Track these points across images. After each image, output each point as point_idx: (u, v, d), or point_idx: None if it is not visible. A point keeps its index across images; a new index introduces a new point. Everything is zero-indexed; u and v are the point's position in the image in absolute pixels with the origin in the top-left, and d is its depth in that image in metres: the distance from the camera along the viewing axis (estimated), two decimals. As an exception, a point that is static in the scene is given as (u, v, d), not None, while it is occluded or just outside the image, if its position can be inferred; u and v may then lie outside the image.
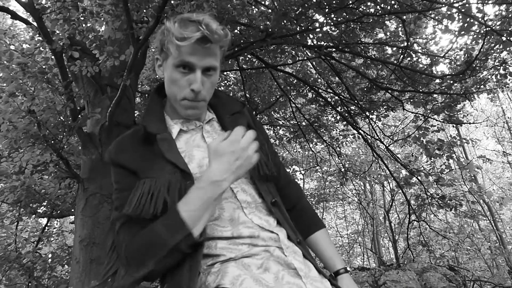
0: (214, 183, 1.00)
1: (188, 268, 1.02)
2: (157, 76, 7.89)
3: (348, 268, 1.32)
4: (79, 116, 4.97)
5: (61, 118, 4.68)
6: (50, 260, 6.49)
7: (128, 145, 1.17)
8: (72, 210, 6.43)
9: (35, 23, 4.35)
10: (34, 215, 6.54)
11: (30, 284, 6.12)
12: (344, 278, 1.25)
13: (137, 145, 1.16)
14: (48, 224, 8.19)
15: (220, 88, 9.14)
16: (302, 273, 1.08)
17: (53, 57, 4.52)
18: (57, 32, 4.43)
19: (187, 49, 1.08)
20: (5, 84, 4.44)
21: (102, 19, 4.58)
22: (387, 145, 8.24)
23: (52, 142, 4.46)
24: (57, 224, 10.54)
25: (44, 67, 4.46)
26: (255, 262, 1.07)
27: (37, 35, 4.59)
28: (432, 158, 7.11)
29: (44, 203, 6.58)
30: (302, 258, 1.16)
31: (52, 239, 7.74)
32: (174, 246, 0.99)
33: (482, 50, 6.22)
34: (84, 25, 4.65)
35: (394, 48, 7.45)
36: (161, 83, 1.28)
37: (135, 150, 1.15)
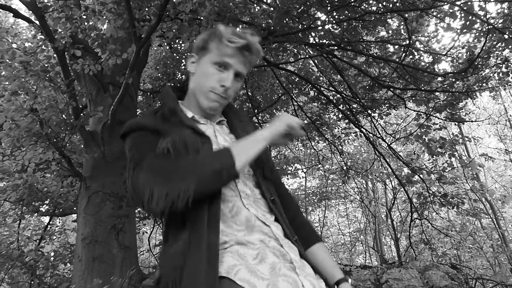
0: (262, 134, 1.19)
1: (207, 221, 1.08)
2: (158, 75, 7.91)
3: (350, 280, 1.36)
4: (82, 114, 4.98)
5: (64, 116, 4.69)
6: (52, 258, 6.50)
7: (147, 115, 1.31)
8: (75, 208, 6.44)
9: (37, 22, 4.35)
10: (36, 214, 6.55)
11: (32, 282, 6.14)
12: (344, 286, 1.29)
13: (154, 119, 1.28)
14: (51, 223, 8.20)
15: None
16: (296, 264, 1.10)
17: (55, 55, 4.53)
18: (60, 30, 4.44)
19: (229, 52, 1.25)
20: (7, 83, 4.45)
21: (104, 17, 4.58)
22: (389, 143, 8.23)
23: (55, 140, 4.46)
24: (59, 222, 10.55)
25: (46, 65, 4.47)
26: (250, 253, 1.09)
27: (40, 34, 4.59)
28: (434, 156, 7.10)
29: (47, 202, 6.60)
30: (298, 253, 1.19)
31: (54, 237, 7.75)
32: (218, 170, 1.08)
33: (484, 48, 6.21)
34: (86, 23, 4.65)
35: (396, 46, 7.43)
36: (175, 85, 1.47)
37: (154, 120, 1.27)
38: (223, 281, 1.01)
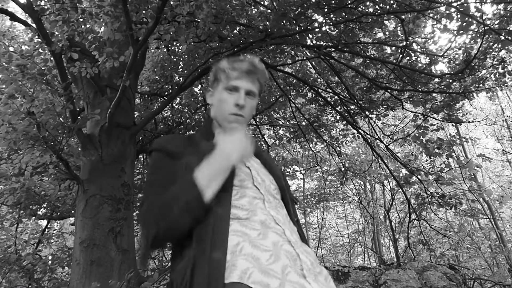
0: (225, 155, 1.22)
1: (212, 239, 1.11)
2: (156, 77, 7.90)
3: None
4: (79, 117, 4.97)
5: (61, 119, 4.67)
6: (50, 262, 6.48)
7: (177, 136, 1.45)
8: (72, 211, 6.42)
9: (34, 25, 4.34)
10: (34, 217, 6.53)
11: (30, 286, 6.11)
12: None
13: (183, 140, 1.42)
14: (48, 226, 8.18)
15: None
16: (305, 267, 1.11)
17: (52, 58, 4.52)
18: (56, 33, 4.43)
19: (235, 76, 1.42)
20: (4, 86, 4.44)
21: (101, 20, 4.57)
22: (386, 144, 8.24)
23: (52, 143, 4.45)
24: (57, 225, 10.51)
25: (43, 68, 4.46)
26: (264, 255, 1.10)
27: (36, 37, 4.59)
28: (432, 157, 7.11)
29: (44, 205, 6.57)
30: (313, 257, 1.21)
31: (52, 241, 7.73)
32: (186, 203, 1.12)
33: (480, 49, 6.22)
34: (83, 26, 4.64)
35: (393, 48, 7.45)
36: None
37: (181, 141, 1.40)
38: (236, 286, 1.02)
